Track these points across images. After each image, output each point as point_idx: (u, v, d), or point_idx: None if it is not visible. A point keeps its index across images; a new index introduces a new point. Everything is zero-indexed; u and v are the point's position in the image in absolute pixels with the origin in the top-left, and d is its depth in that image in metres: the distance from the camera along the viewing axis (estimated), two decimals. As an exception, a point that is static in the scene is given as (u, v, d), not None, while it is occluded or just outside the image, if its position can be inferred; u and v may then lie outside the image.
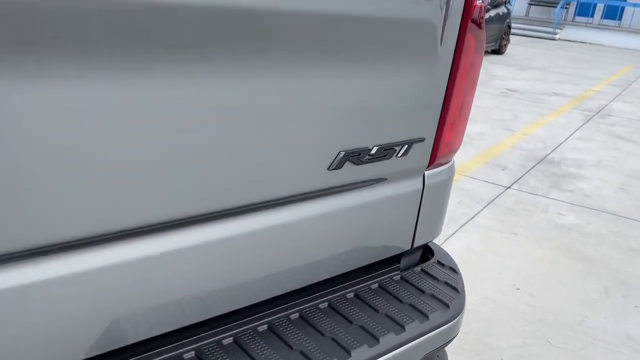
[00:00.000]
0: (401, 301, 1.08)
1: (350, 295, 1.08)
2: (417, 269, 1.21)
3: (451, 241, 3.46)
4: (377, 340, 0.95)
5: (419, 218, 1.17)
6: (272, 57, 0.77)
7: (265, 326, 0.95)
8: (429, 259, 1.28)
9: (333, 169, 0.93)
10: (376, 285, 1.11)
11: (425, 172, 1.17)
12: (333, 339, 0.95)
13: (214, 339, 0.91)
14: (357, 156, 0.95)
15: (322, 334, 0.96)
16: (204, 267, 0.85)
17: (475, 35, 1.08)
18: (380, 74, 0.92)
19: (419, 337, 0.99)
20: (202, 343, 0.90)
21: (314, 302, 1.04)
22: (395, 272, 1.18)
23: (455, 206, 3.95)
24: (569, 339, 2.59)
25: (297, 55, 0.80)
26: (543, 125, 6.78)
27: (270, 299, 0.98)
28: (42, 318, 0.70)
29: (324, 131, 0.89)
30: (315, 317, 1.01)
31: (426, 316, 1.05)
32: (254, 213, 0.87)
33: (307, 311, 1.01)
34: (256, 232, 0.88)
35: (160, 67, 0.68)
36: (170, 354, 0.86)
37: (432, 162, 1.15)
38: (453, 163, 1.27)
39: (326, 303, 1.04)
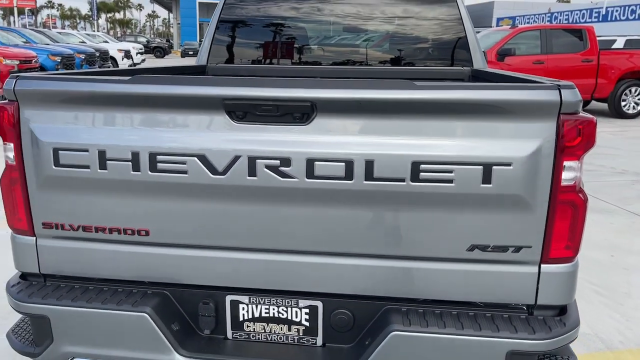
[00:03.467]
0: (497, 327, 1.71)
1: (472, 313, 1.77)
2: (538, 317, 1.76)
3: None
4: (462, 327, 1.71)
5: (539, 288, 1.73)
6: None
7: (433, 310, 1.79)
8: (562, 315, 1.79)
9: (468, 251, 1.72)
10: (507, 315, 1.77)
11: (541, 265, 1.73)
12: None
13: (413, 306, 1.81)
14: (483, 247, 1.71)
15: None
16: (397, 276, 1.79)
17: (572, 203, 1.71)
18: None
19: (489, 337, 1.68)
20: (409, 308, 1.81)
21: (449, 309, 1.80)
22: (522, 313, 1.79)
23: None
24: None
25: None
26: None
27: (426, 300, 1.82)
28: None
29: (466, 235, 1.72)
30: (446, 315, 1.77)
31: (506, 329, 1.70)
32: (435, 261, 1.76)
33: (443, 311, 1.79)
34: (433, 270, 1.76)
35: None
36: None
37: (545, 261, 1.72)
38: (575, 262, 1.76)
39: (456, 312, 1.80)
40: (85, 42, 22.28)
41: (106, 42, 26.40)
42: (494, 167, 1.63)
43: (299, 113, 1.66)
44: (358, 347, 1.83)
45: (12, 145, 1.80)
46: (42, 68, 13.35)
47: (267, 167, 1.68)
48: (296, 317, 1.88)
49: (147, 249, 1.84)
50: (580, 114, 1.65)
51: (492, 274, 1.75)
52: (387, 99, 1.63)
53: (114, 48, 23.22)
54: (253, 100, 1.65)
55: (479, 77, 3.19)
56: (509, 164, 1.63)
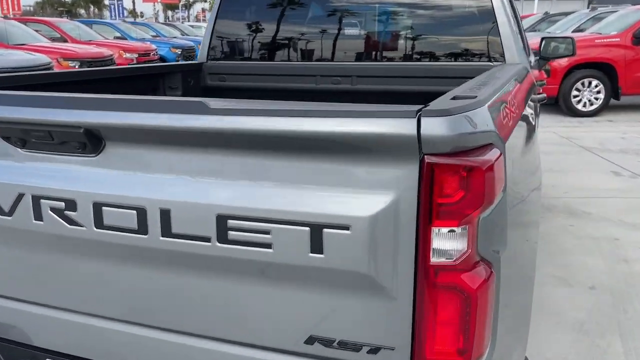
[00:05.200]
0: None
1: None
2: None
3: None
4: None
5: None
6: None
7: None
8: None
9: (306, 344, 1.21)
10: None
11: None
12: None
13: None
14: (326, 342, 1.19)
15: None
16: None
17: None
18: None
19: None
20: None
21: None
22: None
23: None
24: None
25: None
26: None
27: None
28: None
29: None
30: None
31: None
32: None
33: None
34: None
35: None
36: None
37: None
38: None
39: None
40: (214, 34, 23.53)
41: (236, 33, 27.70)
42: (325, 231, 1.09)
43: (76, 142, 1.25)
44: None
45: None
46: (162, 59, 14.17)
47: (52, 209, 1.30)
48: None
49: None
50: (469, 156, 1.04)
51: None
52: (172, 127, 1.15)
53: (240, 39, 24.24)
54: (16, 124, 1.27)
55: None
56: (346, 228, 1.08)
